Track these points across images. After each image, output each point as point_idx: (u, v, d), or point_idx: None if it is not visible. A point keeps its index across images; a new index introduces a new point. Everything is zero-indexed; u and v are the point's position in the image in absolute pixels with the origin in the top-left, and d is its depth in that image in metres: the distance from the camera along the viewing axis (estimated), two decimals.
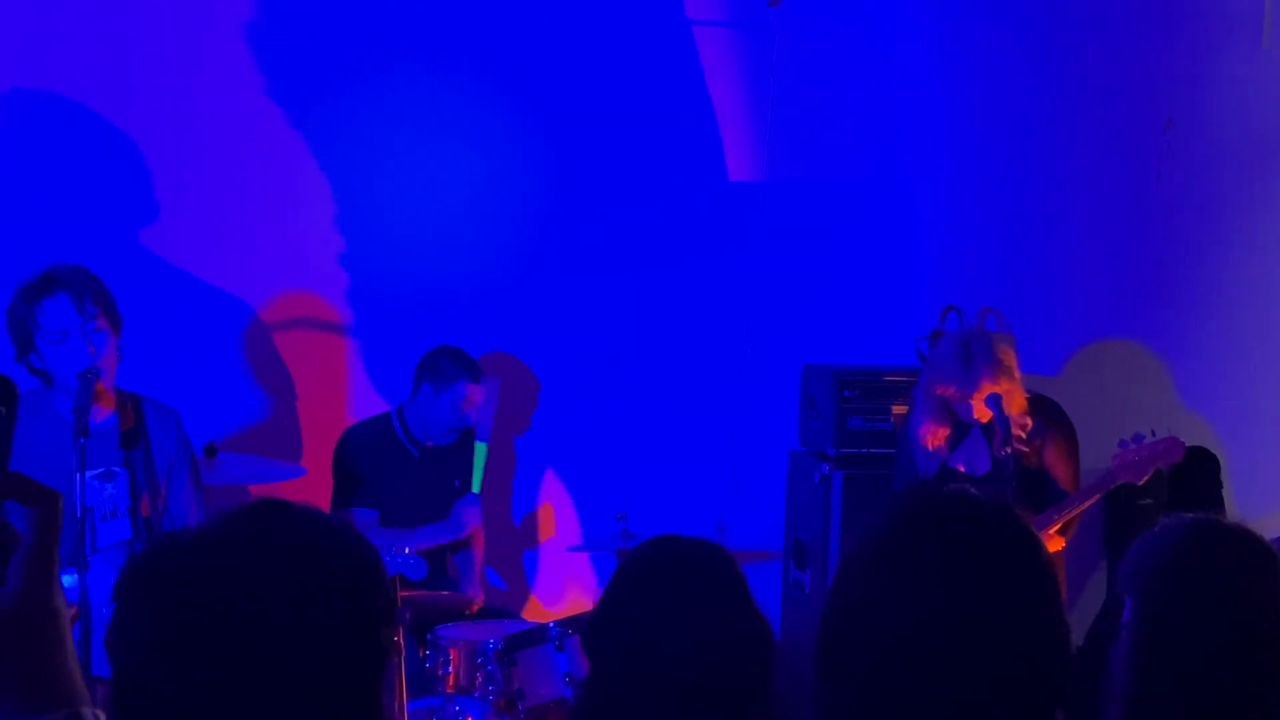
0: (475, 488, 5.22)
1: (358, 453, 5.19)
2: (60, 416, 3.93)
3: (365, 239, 5.67)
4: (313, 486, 5.41)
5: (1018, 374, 4.58)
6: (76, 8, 5.32)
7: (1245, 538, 2.27)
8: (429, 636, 4.62)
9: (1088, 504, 4.58)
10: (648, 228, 5.92)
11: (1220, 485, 5.85)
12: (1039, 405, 4.71)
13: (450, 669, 4.56)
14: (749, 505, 5.98)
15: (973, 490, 1.80)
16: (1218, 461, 5.87)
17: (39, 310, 3.95)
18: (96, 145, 5.37)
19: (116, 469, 4.05)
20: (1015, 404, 4.54)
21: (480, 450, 5.22)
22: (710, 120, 5.94)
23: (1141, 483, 4.60)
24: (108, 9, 5.35)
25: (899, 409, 5.34)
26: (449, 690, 4.53)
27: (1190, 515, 2.31)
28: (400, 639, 4.27)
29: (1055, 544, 4.54)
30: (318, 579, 1.46)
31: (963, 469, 4.73)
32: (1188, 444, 4.65)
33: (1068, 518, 4.56)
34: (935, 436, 4.69)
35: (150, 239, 5.45)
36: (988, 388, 4.50)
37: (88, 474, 3.75)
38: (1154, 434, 4.54)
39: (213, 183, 5.50)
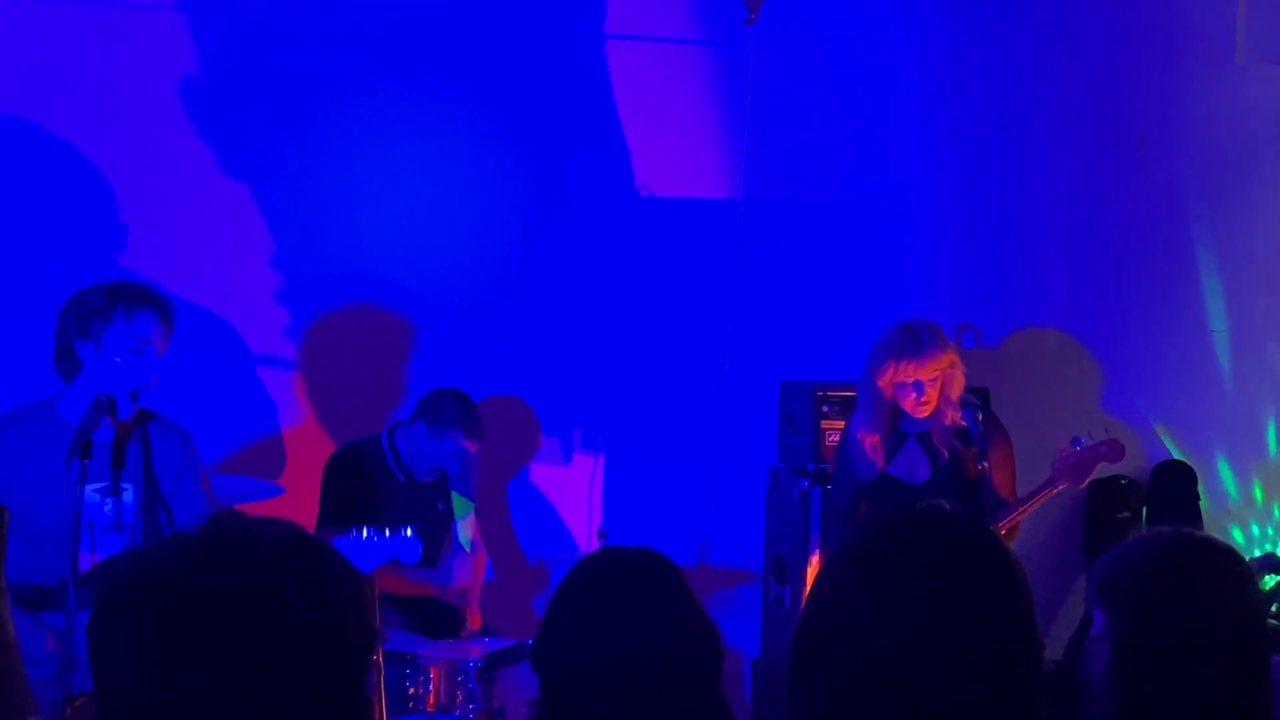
0: (465, 545, 5.22)
1: (347, 473, 5.19)
2: (64, 422, 3.90)
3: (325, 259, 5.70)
4: (293, 505, 5.41)
5: (958, 357, 4.63)
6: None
7: (1219, 550, 2.28)
8: (409, 656, 4.61)
9: (1030, 509, 4.58)
10: (624, 246, 5.93)
11: (1198, 498, 5.88)
12: (970, 412, 4.70)
13: (431, 687, 4.55)
14: (729, 522, 5.98)
15: (945, 505, 1.81)
16: (1194, 474, 5.90)
17: (134, 314, 3.91)
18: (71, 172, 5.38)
19: (123, 484, 4.05)
20: (957, 386, 4.57)
21: (463, 507, 5.22)
22: (688, 137, 5.96)
23: (1083, 485, 4.61)
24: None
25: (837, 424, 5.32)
26: (430, 709, 4.53)
27: (1162, 529, 2.32)
28: (380, 658, 4.26)
29: None
30: (295, 583, 1.47)
31: (902, 477, 4.74)
32: (1164, 458, 4.69)
33: (1012, 523, 4.57)
34: (870, 437, 4.68)
35: (128, 260, 5.45)
36: (940, 360, 4.51)
37: (88, 487, 3.73)
38: (1091, 436, 4.57)
39: (185, 204, 5.52)
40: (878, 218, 6.13)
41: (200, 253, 5.54)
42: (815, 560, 5.47)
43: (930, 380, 4.54)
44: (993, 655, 1.68)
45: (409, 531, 4.21)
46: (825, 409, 5.64)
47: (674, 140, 5.95)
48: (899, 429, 4.69)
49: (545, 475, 5.95)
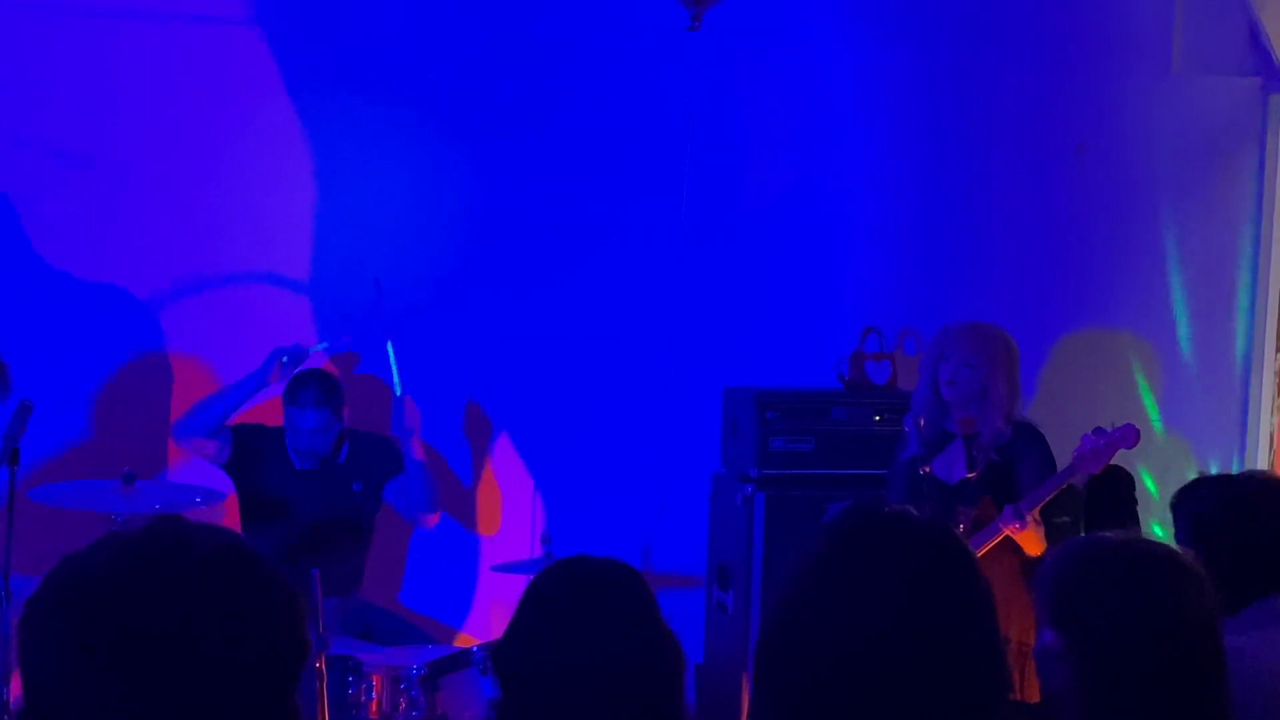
0: (398, 390, 5.34)
1: (246, 441, 5.29)
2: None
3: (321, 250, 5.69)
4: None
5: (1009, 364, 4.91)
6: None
7: (1168, 556, 2.29)
8: (351, 663, 4.59)
9: (1051, 495, 4.69)
10: (568, 251, 5.93)
11: (1135, 502, 5.93)
12: (1018, 429, 4.87)
13: (374, 695, 4.53)
14: (673, 528, 5.99)
15: (912, 510, 1.81)
16: (1131, 478, 5.96)
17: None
18: None
19: None
20: (1001, 392, 4.84)
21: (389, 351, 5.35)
22: (631, 144, 5.97)
23: (1099, 470, 4.74)
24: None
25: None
26: (372, 716, 4.51)
27: (1101, 535, 2.33)
28: (323, 665, 4.25)
29: (1038, 543, 4.61)
30: (226, 594, 1.47)
31: (939, 475, 4.84)
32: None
33: (1036, 509, 4.65)
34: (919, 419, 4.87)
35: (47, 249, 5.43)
36: (984, 349, 4.83)
37: None
38: (1112, 425, 4.72)
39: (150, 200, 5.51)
40: (820, 224, 6.16)
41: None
42: (760, 561, 5.54)
43: (968, 364, 4.78)
44: (955, 660, 1.69)
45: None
46: (768, 415, 5.68)
47: (617, 146, 5.95)
48: (945, 428, 4.85)
49: (487, 480, 5.94)
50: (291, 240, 5.71)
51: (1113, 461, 4.83)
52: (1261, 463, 6.49)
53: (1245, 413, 6.51)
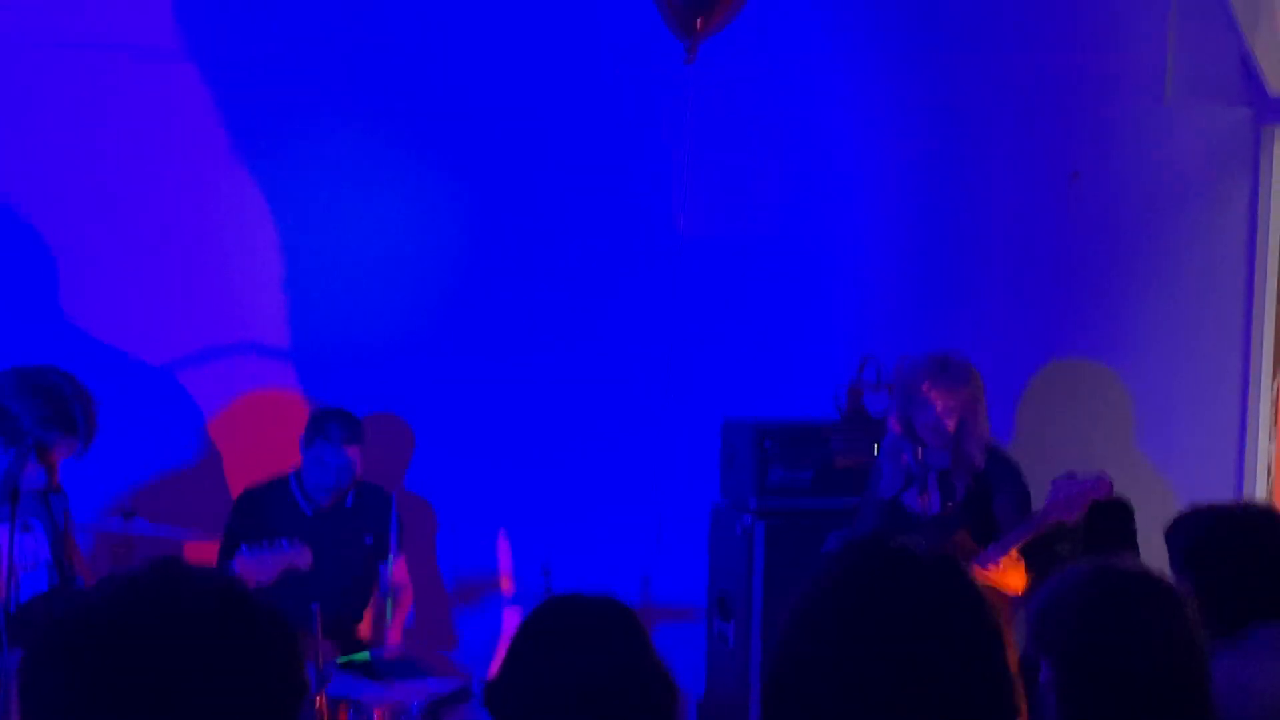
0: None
1: (243, 514, 5.19)
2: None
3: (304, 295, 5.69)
4: None
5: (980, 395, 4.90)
6: None
7: (1148, 583, 2.30)
8: (352, 700, 4.58)
9: (1021, 542, 4.71)
10: (566, 286, 5.94)
11: (1134, 532, 5.93)
12: (993, 456, 4.89)
13: None
14: (673, 559, 5.99)
15: (919, 545, 1.81)
16: (1130, 509, 5.96)
17: (49, 441, 4.04)
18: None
19: (31, 520, 4.12)
20: (978, 421, 4.86)
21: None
22: (626, 177, 5.99)
23: (1073, 520, 4.72)
24: None
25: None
26: None
27: (1086, 565, 2.33)
28: (323, 704, 4.24)
29: (1019, 581, 4.64)
30: (223, 636, 1.49)
31: (914, 508, 4.89)
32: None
33: (1012, 551, 4.68)
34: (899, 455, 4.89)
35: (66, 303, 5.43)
36: (962, 391, 4.81)
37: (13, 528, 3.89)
38: (1076, 474, 4.69)
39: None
40: (817, 253, 6.18)
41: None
42: (760, 592, 5.53)
43: (947, 409, 4.77)
44: (964, 692, 1.69)
45: (286, 543, 4.51)
46: (767, 445, 5.68)
47: (614, 179, 5.97)
48: (924, 460, 4.87)
49: (487, 514, 5.94)
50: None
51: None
52: (1260, 490, 6.50)
53: (1242, 440, 6.52)
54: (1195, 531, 3.14)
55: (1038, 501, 4.90)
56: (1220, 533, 3.11)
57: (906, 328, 6.18)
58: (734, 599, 5.70)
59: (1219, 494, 6.29)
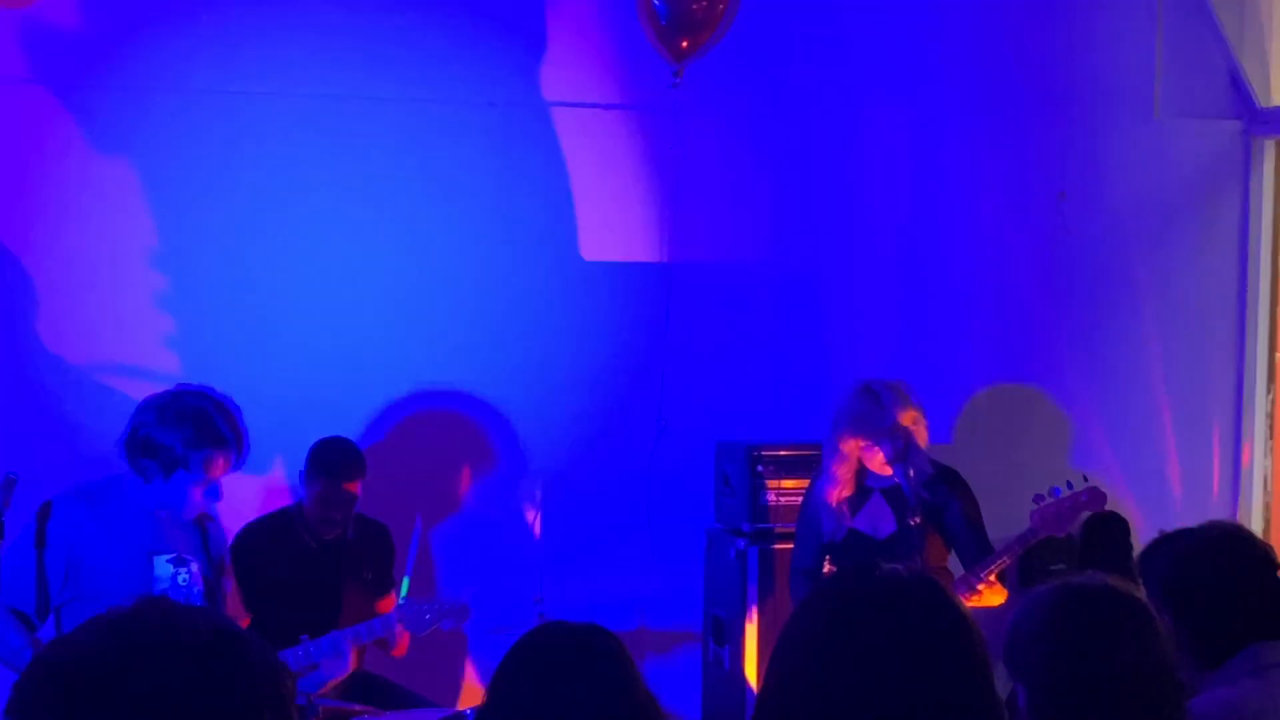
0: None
1: (249, 553, 5.04)
2: (144, 507, 4.05)
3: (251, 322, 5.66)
4: None
5: (920, 413, 4.75)
6: None
7: (1115, 600, 2.29)
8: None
9: (1007, 561, 4.64)
10: (557, 310, 5.94)
11: (1131, 548, 5.91)
12: (940, 473, 4.79)
13: None
14: (667, 584, 5.96)
15: (903, 570, 1.81)
16: (1127, 524, 5.95)
17: (203, 459, 3.98)
18: None
19: (186, 556, 4.16)
20: (922, 438, 4.70)
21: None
22: (617, 201, 5.98)
23: (1064, 535, 4.68)
24: None
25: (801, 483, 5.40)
26: None
27: (1056, 584, 2.32)
28: None
29: (998, 596, 4.60)
30: (212, 676, 1.47)
31: (867, 532, 4.80)
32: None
33: (992, 574, 4.60)
34: (840, 492, 4.75)
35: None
36: (903, 419, 4.62)
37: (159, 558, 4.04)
38: (1070, 486, 4.62)
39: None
40: (808, 278, 6.17)
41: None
42: (754, 615, 5.49)
43: (897, 452, 4.62)
44: (954, 716, 1.69)
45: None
46: (760, 469, 5.66)
47: (606, 204, 5.97)
48: (864, 485, 4.81)
49: (480, 540, 5.91)
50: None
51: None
52: (1257, 504, 6.48)
53: (1238, 455, 6.50)
54: (1170, 563, 3.05)
55: (988, 512, 4.84)
56: (1196, 562, 3.03)
57: (899, 349, 6.17)
58: (729, 623, 5.67)
59: (1215, 510, 6.29)
